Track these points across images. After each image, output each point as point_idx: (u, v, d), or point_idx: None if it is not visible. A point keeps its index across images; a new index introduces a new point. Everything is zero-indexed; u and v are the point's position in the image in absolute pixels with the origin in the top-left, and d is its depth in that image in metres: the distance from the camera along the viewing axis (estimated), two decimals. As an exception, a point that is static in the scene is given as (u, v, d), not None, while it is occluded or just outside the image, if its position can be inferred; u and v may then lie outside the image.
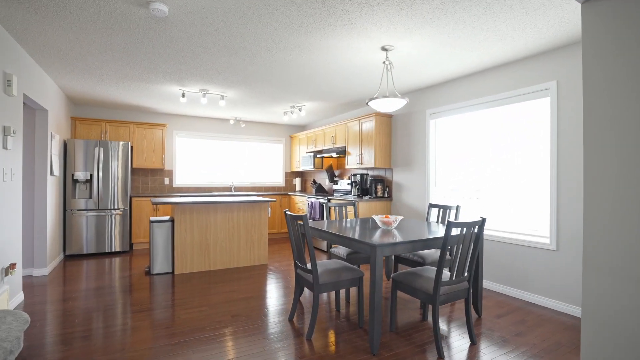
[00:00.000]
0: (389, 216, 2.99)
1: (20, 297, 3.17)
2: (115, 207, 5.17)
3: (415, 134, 4.65)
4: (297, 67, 3.63)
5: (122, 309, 3.04)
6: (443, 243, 2.26)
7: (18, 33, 2.85)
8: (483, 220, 2.43)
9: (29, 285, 3.66)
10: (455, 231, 2.69)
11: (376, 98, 2.94)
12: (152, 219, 4.15)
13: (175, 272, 4.16)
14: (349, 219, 3.53)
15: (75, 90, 4.65)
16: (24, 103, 3.70)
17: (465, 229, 2.31)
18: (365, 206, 4.82)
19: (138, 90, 4.63)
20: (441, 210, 3.76)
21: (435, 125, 4.39)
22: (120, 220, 5.20)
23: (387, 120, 5.02)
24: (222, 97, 4.73)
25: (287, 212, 2.66)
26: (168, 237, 4.18)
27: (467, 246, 2.38)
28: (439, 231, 2.81)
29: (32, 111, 3.92)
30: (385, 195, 5.09)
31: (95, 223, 5.04)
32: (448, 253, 3.24)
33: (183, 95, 4.46)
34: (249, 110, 5.91)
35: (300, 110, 5.56)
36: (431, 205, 3.68)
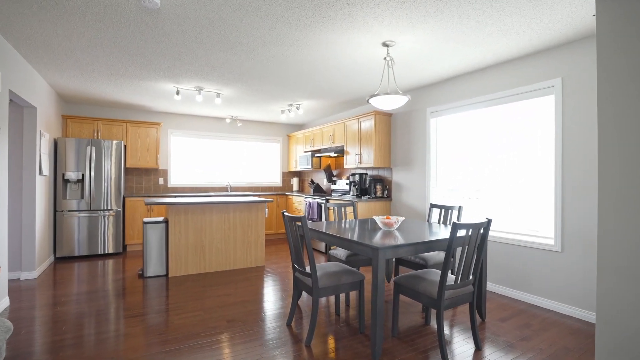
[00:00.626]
0: (390, 217, 2.89)
1: (5, 302, 3.04)
2: (108, 208, 5.04)
3: (415, 132, 4.56)
4: (295, 63, 3.53)
5: (113, 314, 2.92)
6: (448, 245, 2.17)
7: (2, 26, 2.73)
8: (489, 222, 2.34)
9: (16, 289, 3.52)
10: (460, 232, 2.60)
11: (377, 95, 2.84)
12: (145, 220, 4.03)
13: (170, 275, 4.03)
14: (348, 220, 3.43)
15: (66, 87, 4.52)
16: (10, 100, 3.56)
17: (471, 230, 2.22)
18: (365, 206, 4.73)
19: (131, 88, 4.51)
20: (443, 210, 3.67)
21: (436, 123, 4.30)
22: (113, 221, 5.07)
23: (386, 119, 4.93)
24: (218, 94, 4.61)
25: (285, 213, 2.55)
26: (162, 238, 4.06)
27: (473, 248, 2.29)
28: (442, 232, 2.72)
29: (20, 108, 3.78)
30: (385, 196, 5.00)
31: (87, 224, 4.90)
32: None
33: (178, 93, 4.33)
34: (245, 108, 5.79)
35: (297, 108, 5.45)
36: (432, 206, 3.59)
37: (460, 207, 3.33)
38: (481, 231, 2.33)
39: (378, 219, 2.86)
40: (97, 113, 5.72)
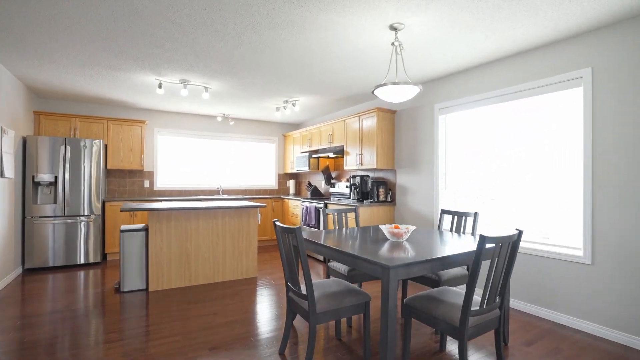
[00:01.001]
0: (400, 226, 2.50)
1: (-49, 326, 2.60)
2: (86, 213, 4.60)
3: (422, 131, 4.18)
4: (289, 50, 3.14)
5: (79, 340, 2.49)
6: (474, 262, 1.78)
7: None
8: (519, 234, 1.96)
9: (-29, 308, 3.08)
10: (487, 246, 2.21)
11: (384, 85, 2.46)
12: (122, 227, 3.60)
13: (150, 289, 3.61)
14: (349, 228, 3.04)
15: (36, 79, 4.08)
16: None
17: (501, 245, 1.83)
18: (367, 212, 4.33)
19: (107, 80, 4.08)
20: (456, 217, 3.29)
21: (445, 121, 3.93)
22: (91, 228, 4.63)
23: (390, 117, 4.55)
24: (206, 88, 4.21)
25: (277, 223, 2.16)
26: (142, 248, 3.63)
27: (502, 265, 1.90)
28: (459, 244, 2.33)
29: (-21, 102, 3.36)
30: (388, 200, 4.61)
31: (62, 231, 4.46)
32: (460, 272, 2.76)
33: (160, 86, 3.92)
34: (237, 105, 5.39)
35: (294, 105, 5.06)
36: (444, 212, 3.20)
37: (476, 214, 2.95)
38: (511, 245, 1.95)
39: (385, 228, 2.47)
40: (75, 109, 5.28)
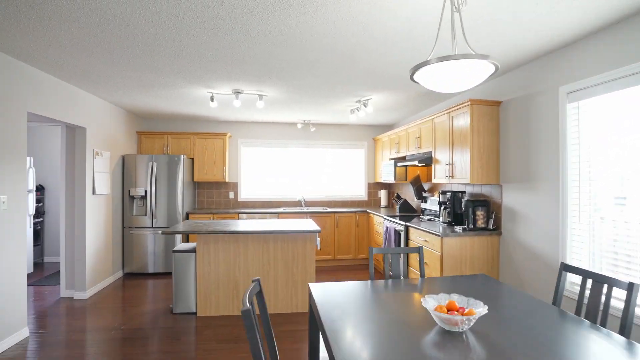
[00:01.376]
0: (457, 303, 1.49)
1: (23, 333, 2.90)
2: (170, 225, 4.90)
3: (539, 129, 2.77)
4: (314, 38, 2.40)
5: (92, 375, 2.40)
6: None
7: (28, 56, 2.51)
8: None
9: (56, 314, 3.47)
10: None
11: (428, 62, 1.47)
12: (175, 248, 3.55)
13: (198, 314, 3.45)
14: (408, 280, 2.11)
15: (125, 103, 4.47)
16: (66, 123, 3.54)
17: None
18: (455, 245, 3.14)
19: (171, 99, 4.13)
20: (591, 283, 1.92)
21: (579, 111, 2.46)
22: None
23: (490, 111, 3.24)
24: (260, 96, 3.83)
25: (243, 308, 1.49)
26: (193, 269, 3.51)
27: None
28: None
29: (72, 129, 3.82)
30: (490, 227, 3.29)
31: (152, 241, 4.85)
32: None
33: (212, 99, 3.74)
34: (308, 110, 4.88)
35: (365, 105, 4.23)
36: (566, 268, 1.89)
37: (632, 286, 1.58)
38: None
39: (431, 306, 1.49)
40: (168, 127, 5.75)
